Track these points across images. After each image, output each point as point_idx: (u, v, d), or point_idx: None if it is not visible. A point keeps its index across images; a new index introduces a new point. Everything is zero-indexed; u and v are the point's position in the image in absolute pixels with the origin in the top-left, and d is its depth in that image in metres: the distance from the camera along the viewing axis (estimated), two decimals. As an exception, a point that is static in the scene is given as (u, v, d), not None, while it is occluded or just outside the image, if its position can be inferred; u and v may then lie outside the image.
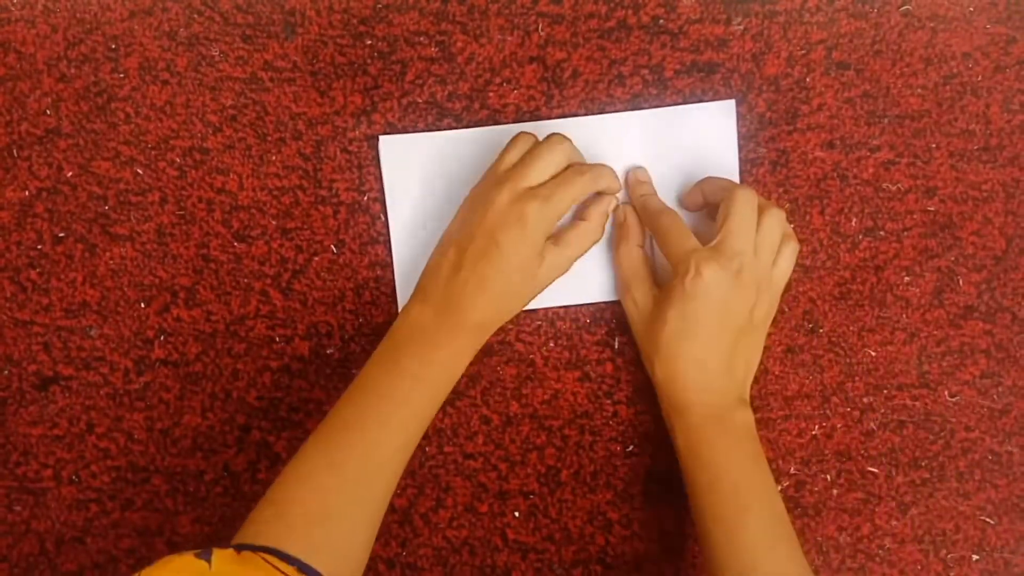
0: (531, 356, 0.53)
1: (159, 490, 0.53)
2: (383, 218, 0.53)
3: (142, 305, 0.53)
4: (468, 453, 0.53)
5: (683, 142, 0.52)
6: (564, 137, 0.47)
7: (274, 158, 0.52)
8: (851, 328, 0.53)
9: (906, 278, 0.53)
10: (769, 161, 0.53)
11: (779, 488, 0.49)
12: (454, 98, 0.52)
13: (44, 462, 0.53)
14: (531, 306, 0.53)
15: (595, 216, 0.48)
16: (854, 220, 0.53)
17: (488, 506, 0.53)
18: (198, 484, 0.53)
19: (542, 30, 0.52)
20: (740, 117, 0.52)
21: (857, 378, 0.53)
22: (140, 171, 0.52)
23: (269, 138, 0.52)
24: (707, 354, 0.46)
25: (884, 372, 0.53)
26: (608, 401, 0.53)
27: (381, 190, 0.52)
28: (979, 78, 0.53)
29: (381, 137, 0.52)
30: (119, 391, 0.53)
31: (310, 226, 0.53)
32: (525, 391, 0.53)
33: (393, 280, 0.53)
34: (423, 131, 0.52)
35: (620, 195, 0.52)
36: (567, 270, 0.48)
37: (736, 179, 0.53)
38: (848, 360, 0.53)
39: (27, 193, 0.52)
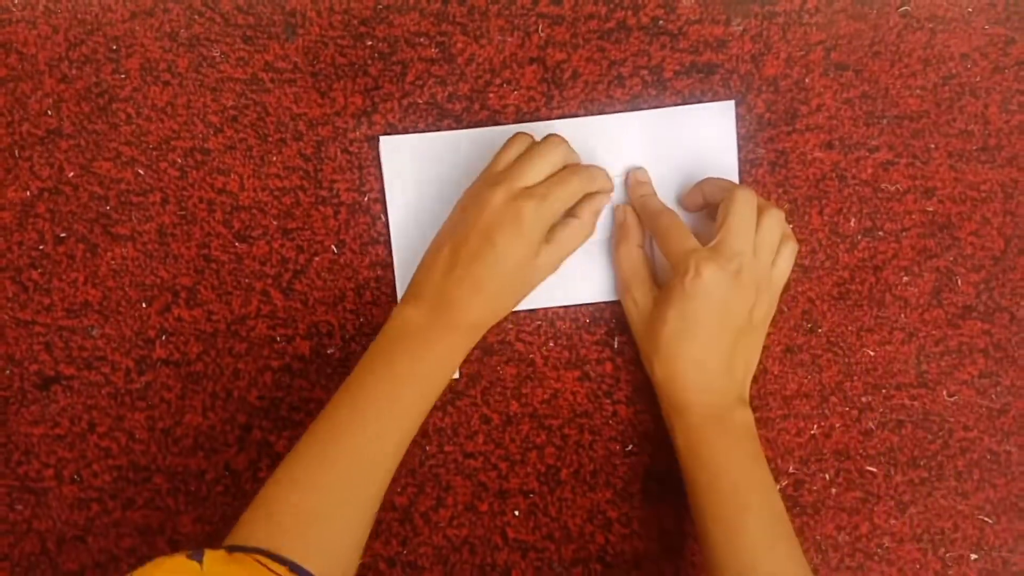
0: (531, 356, 0.53)
1: (160, 489, 0.53)
2: (383, 218, 0.53)
3: (143, 305, 0.53)
4: (468, 452, 0.53)
5: (682, 143, 0.53)
6: (561, 138, 0.48)
7: (275, 159, 0.53)
8: (850, 328, 0.53)
9: (905, 278, 0.53)
10: (768, 162, 0.53)
11: (778, 487, 0.50)
12: (454, 99, 0.53)
13: (46, 461, 0.53)
14: (531, 306, 0.53)
15: (587, 213, 0.48)
16: (853, 220, 0.53)
17: (488, 505, 0.53)
18: (199, 483, 0.53)
19: (542, 31, 0.52)
20: (739, 118, 0.53)
21: (856, 378, 0.53)
22: (141, 171, 0.53)
23: (270, 139, 0.52)
24: (706, 354, 0.47)
25: (883, 372, 0.53)
26: (608, 400, 0.53)
27: (381, 190, 0.53)
28: (978, 79, 0.53)
29: (381, 138, 0.52)
30: (120, 390, 0.53)
31: (311, 226, 0.53)
32: (525, 390, 0.53)
33: (394, 280, 0.53)
34: (423, 132, 0.53)
35: (620, 195, 0.53)
36: (558, 268, 0.48)
37: (735, 180, 0.53)
38: (847, 360, 0.53)
39: (29, 193, 0.53)
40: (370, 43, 0.52)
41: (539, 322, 0.53)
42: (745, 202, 0.46)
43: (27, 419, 0.53)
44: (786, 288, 0.50)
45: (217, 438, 0.53)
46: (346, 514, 0.43)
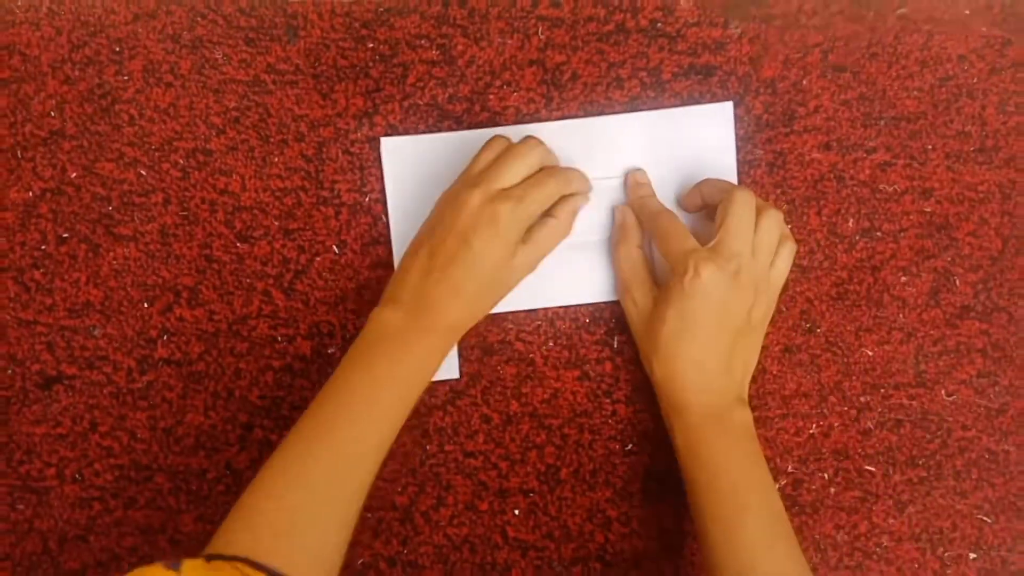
0: (531, 355, 0.53)
1: (162, 488, 0.53)
2: (384, 219, 0.53)
3: (145, 305, 0.53)
4: (468, 451, 0.53)
5: (681, 144, 0.53)
6: (538, 140, 0.48)
7: (276, 160, 0.53)
8: (848, 328, 0.54)
9: (903, 278, 0.54)
10: (766, 163, 0.53)
11: (777, 486, 0.50)
12: (455, 100, 0.53)
13: (47, 461, 0.53)
14: (531, 306, 0.53)
15: (564, 214, 0.48)
16: (851, 221, 0.53)
17: (488, 504, 0.53)
18: (201, 483, 0.53)
19: (542, 33, 0.53)
20: (738, 119, 0.53)
21: (854, 377, 0.54)
22: (144, 172, 0.53)
23: (272, 140, 0.53)
24: (705, 354, 0.47)
25: (881, 371, 0.54)
26: (607, 400, 0.54)
27: (382, 191, 0.53)
28: (975, 80, 0.53)
29: (383, 139, 0.53)
30: (122, 390, 0.53)
31: (312, 227, 0.53)
32: (525, 390, 0.53)
33: (394, 280, 0.53)
34: (424, 133, 0.53)
35: (619, 196, 0.53)
36: (535, 269, 0.48)
37: (734, 180, 0.53)
38: (845, 359, 0.54)
39: (31, 194, 0.53)
40: (371, 45, 0.53)
41: (539, 322, 0.53)
42: (744, 203, 0.47)
43: (29, 418, 0.53)
44: (785, 288, 0.51)
45: (219, 437, 0.53)
46: (326, 517, 0.43)
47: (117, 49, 0.52)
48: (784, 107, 0.53)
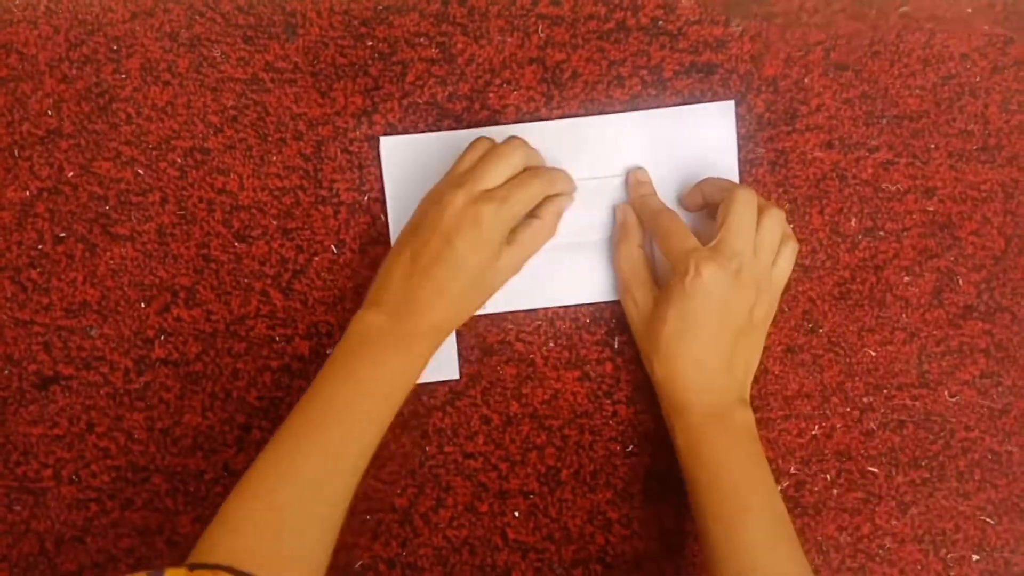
0: (531, 356, 0.53)
1: (159, 489, 0.53)
2: (383, 218, 0.53)
3: (142, 305, 0.53)
4: (468, 453, 0.53)
5: (682, 143, 0.53)
6: (521, 140, 0.48)
7: (275, 158, 0.53)
8: (851, 328, 0.53)
9: (906, 278, 0.53)
10: (768, 161, 0.53)
11: (779, 488, 0.49)
12: (454, 99, 0.53)
13: (44, 462, 0.53)
14: (531, 306, 0.53)
15: (548, 214, 0.48)
16: (853, 220, 0.53)
17: (488, 506, 0.53)
18: (198, 483, 0.53)
19: (542, 31, 0.52)
20: (739, 118, 0.53)
21: (857, 378, 0.53)
22: (141, 171, 0.53)
23: (270, 138, 0.53)
24: (707, 354, 0.46)
25: (884, 372, 0.53)
26: (608, 401, 0.53)
27: (381, 190, 0.53)
28: (977, 79, 0.53)
29: (382, 138, 0.52)
30: (119, 391, 0.53)
31: (310, 226, 0.53)
32: (525, 391, 0.53)
33: (393, 280, 0.53)
34: (423, 132, 0.53)
35: (620, 195, 0.53)
36: (520, 270, 0.48)
37: (735, 179, 0.53)
38: (848, 360, 0.53)
39: (28, 193, 0.53)
40: (370, 43, 0.52)
41: (539, 322, 0.53)
42: (745, 202, 0.46)
43: (25, 419, 0.53)
44: (787, 288, 0.50)
45: (216, 438, 0.53)
46: (309, 523, 0.42)
47: (115, 47, 0.52)
48: (786, 105, 0.53)
